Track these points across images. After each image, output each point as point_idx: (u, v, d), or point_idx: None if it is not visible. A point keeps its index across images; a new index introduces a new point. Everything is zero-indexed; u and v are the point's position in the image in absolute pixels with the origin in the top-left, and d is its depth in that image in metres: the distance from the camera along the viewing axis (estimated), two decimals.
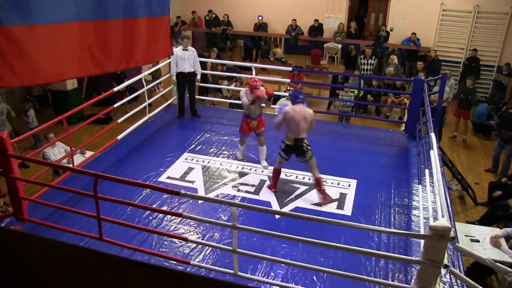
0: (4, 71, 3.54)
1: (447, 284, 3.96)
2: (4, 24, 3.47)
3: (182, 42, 7.29)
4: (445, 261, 3.08)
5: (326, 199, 5.32)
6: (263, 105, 6.05)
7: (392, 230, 4.60)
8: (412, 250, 4.48)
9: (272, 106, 9.22)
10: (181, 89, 7.47)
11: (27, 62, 3.70)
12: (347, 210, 5.20)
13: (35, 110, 10.30)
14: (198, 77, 7.49)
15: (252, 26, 13.58)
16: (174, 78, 7.30)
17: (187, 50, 7.18)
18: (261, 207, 4.12)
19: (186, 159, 6.29)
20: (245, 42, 14.55)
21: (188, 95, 7.66)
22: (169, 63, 7.46)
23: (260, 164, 6.15)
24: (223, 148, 6.61)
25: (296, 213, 4.58)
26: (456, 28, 12.26)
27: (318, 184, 5.32)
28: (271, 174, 5.88)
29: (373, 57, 11.37)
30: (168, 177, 5.78)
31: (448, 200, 4.66)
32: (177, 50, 7.04)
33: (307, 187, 5.64)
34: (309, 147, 5.23)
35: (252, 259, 4.10)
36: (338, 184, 5.74)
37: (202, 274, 3.93)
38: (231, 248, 3.59)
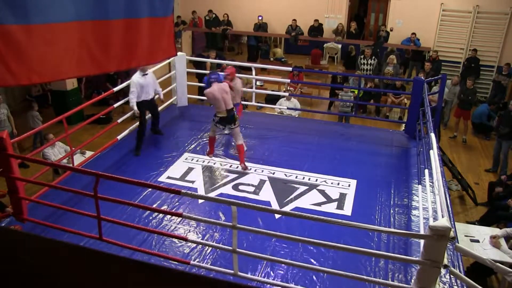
0: (0, 70, 3.54)
1: (447, 284, 3.96)
2: (1, 24, 3.48)
3: (140, 67, 6.18)
4: (445, 261, 3.08)
5: (244, 166, 5.96)
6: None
7: (392, 230, 4.60)
8: (412, 250, 4.48)
9: (272, 106, 9.28)
10: (144, 119, 6.52)
11: (24, 61, 3.69)
12: (347, 210, 5.21)
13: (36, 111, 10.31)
14: (162, 97, 6.82)
15: (252, 26, 13.58)
16: (136, 108, 6.26)
17: (147, 74, 6.28)
18: (261, 206, 4.13)
19: (186, 159, 6.29)
20: (248, 42, 14.56)
21: (151, 118, 6.85)
22: (132, 86, 6.35)
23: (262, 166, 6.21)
24: (223, 148, 6.61)
25: (296, 212, 4.58)
26: (456, 28, 12.26)
27: (239, 151, 5.99)
28: (271, 175, 5.91)
29: (373, 57, 11.37)
30: (168, 177, 5.78)
31: (448, 200, 4.66)
32: (137, 77, 6.19)
33: (307, 187, 5.64)
34: (237, 117, 5.99)
35: (252, 259, 4.10)
36: (338, 184, 5.74)
37: (202, 274, 3.93)
38: (231, 248, 3.59)
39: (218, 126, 6.01)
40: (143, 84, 6.26)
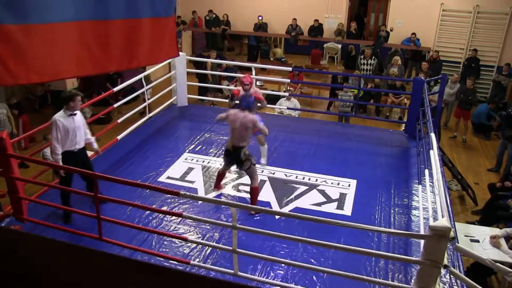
0: None
1: (447, 284, 3.96)
2: (0, 24, 3.48)
3: (72, 104, 4.56)
4: (445, 261, 3.09)
5: (252, 211, 5.03)
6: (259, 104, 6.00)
7: (392, 230, 4.60)
8: (412, 250, 4.48)
9: (272, 106, 9.26)
10: (69, 180, 4.70)
11: (23, 61, 3.70)
12: (347, 210, 5.20)
13: (35, 110, 10.33)
14: (96, 146, 5.08)
15: (252, 26, 13.58)
16: (61, 162, 4.53)
17: (75, 114, 4.61)
18: (261, 207, 4.14)
19: (186, 159, 6.29)
20: (248, 42, 14.57)
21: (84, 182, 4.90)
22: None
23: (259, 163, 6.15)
24: (223, 148, 6.60)
25: (296, 213, 4.58)
26: (456, 28, 12.26)
27: (252, 193, 5.05)
28: (271, 175, 5.90)
29: (373, 57, 11.37)
30: (168, 177, 5.78)
31: (448, 200, 4.66)
32: (60, 117, 4.51)
33: (307, 187, 5.64)
34: (249, 157, 4.98)
35: (252, 259, 4.10)
36: (338, 184, 5.74)
37: (202, 274, 3.93)
38: (231, 248, 3.59)
39: (224, 159, 5.26)
40: (68, 127, 4.53)
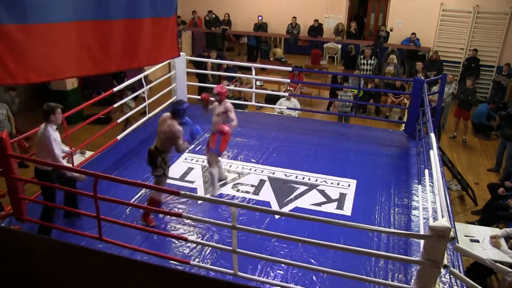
0: None
1: (447, 284, 3.96)
2: None
3: (52, 117, 4.47)
4: (445, 261, 3.09)
5: (148, 219, 4.78)
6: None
7: (392, 230, 4.60)
8: (412, 250, 4.48)
9: (272, 106, 9.28)
10: (53, 196, 4.51)
11: (22, 60, 3.70)
12: (347, 210, 5.21)
13: (34, 110, 10.31)
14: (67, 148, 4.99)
15: (252, 26, 13.58)
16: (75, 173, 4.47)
17: (57, 128, 4.59)
18: (260, 207, 4.14)
19: (186, 159, 6.29)
20: (248, 42, 14.57)
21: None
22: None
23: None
24: None
25: (295, 213, 4.58)
26: (456, 28, 12.25)
27: (150, 203, 4.81)
28: (271, 174, 5.89)
29: (373, 57, 11.36)
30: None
31: (448, 200, 4.66)
32: (52, 131, 4.44)
33: (307, 187, 5.64)
34: (163, 166, 4.75)
35: (252, 259, 4.10)
36: (338, 184, 5.74)
37: (202, 274, 3.93)
38: (231, 248, 3.59)
39: None
40: (59, 141, 4.50)
